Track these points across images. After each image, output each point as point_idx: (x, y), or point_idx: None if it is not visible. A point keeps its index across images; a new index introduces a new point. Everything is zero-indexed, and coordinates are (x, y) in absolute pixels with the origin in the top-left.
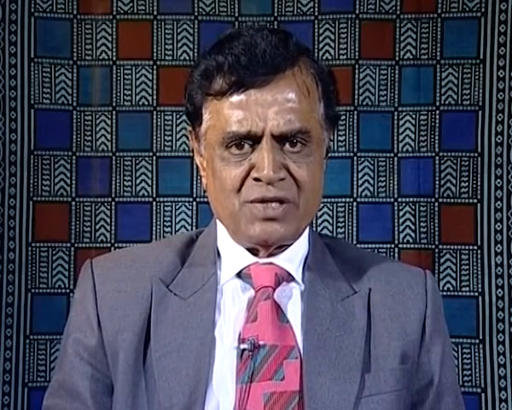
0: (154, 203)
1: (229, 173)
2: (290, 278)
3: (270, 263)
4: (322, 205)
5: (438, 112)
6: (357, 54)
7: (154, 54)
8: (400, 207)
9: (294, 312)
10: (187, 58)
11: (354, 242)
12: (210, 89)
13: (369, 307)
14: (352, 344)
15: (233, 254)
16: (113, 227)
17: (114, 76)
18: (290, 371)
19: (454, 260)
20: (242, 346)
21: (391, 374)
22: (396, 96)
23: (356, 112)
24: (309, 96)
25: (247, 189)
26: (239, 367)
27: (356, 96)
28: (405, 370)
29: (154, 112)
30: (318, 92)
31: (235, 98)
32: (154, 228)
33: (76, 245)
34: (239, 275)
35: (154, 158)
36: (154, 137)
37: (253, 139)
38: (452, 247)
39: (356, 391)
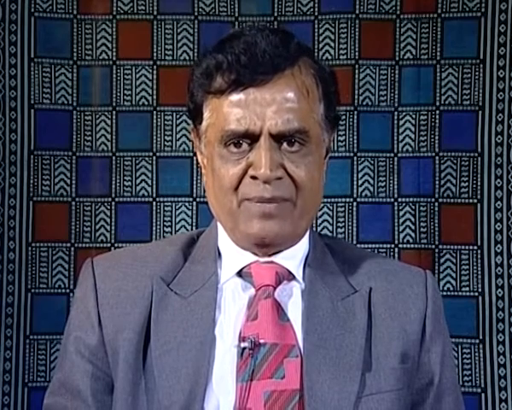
0: (154, 203)
1: (227, 171)
2: (291, 276)
3: (271, 262)
4: (322, 205)
5: (438, 112)
6: (357, 54)
7: (154, 54)
8: (400, 207)
9: (295, 310)
10: (187, 58)
11: (354, 242)
12: (210, 87)
13: (370, 306)
14: (353, 343)
15: (233, 254)
16: (113, 227)
17: (114, 76)
18: (290, 369)
19: (454, 260)
20: (243, 344)
21: (391, 373)
22: (396, 96)
23: (356, 112)
24: (308, 96)
25: (244, 187)
26: (239, 366)
27: (356, 96)
28: (405, 369)
29: (154, 112)
30: (319, 93)
31: (235, 97)
32: (154, 228)
33: (76, 245)
34: (239, 274)
35: (154, 158)
36: (154, 137)
37: (251, 138)
38: (452, 247)
39: (356, 390)
